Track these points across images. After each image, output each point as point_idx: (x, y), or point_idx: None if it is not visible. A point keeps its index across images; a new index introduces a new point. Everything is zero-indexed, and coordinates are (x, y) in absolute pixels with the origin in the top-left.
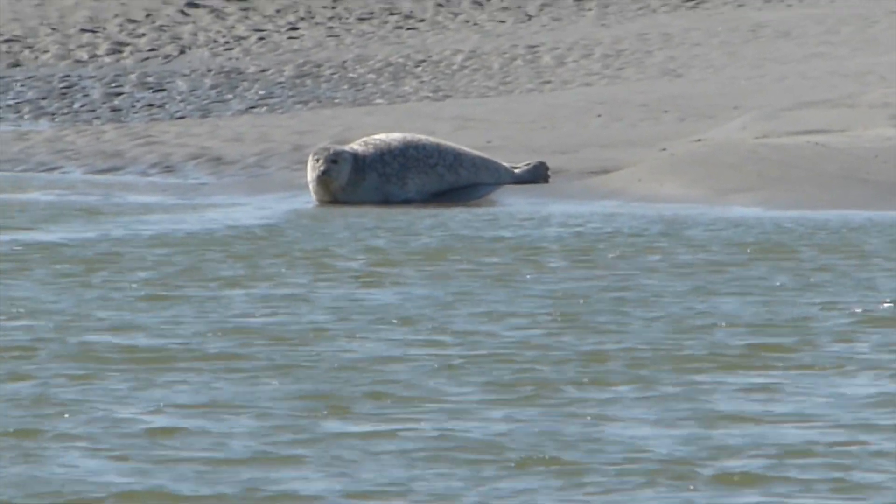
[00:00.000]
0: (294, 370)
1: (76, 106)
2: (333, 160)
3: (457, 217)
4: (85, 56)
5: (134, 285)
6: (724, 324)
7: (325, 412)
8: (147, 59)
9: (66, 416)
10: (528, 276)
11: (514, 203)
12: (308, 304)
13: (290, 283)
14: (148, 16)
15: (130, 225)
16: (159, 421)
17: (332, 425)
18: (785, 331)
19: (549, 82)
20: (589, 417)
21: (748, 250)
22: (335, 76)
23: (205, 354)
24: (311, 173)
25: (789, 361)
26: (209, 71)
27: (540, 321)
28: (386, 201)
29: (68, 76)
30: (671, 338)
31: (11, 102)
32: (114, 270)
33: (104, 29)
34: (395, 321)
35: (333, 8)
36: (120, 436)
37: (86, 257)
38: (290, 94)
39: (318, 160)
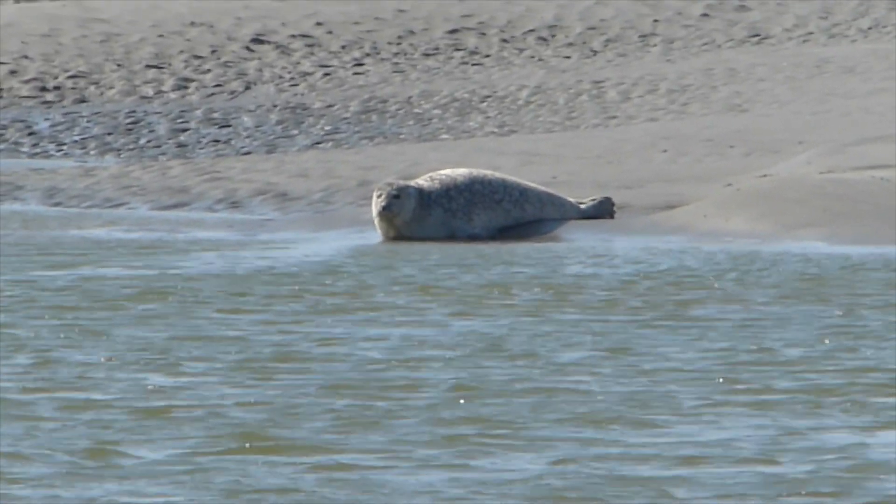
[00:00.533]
0: (341, 407)
1: (142, 142)
2: (395, 195)
3: (522, 252)
4: (151, 92)
5: (199, 321)
6: (782, 360)
7: (371, 448)
8: (213, 94)
9: (115, 449)
10: (594, 312)
11: (579, 238)
12: (366, 341)
13: (349, 319)
14: (213, 52)
15: (195, 261)
16: (207, 458)
17: (379, 462)
18: (842, 367)
19: (614, 117)
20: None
21: (812, 285)
22: (401, 112)
23: (256, 394)
24: (374, 209)
25: (842, 397)
26: (275, 107)
27: (594, 355)
28: (452, 237)
29: (134, 112)
30: (731, 375)
31: (77, 138)
32: (178, 306)
33: (170, 65)
34: (449, 356)
35: (399, 44)
36: (167, 468)
37: (149, 292)
38: (356, 129)
39: (380, 196)
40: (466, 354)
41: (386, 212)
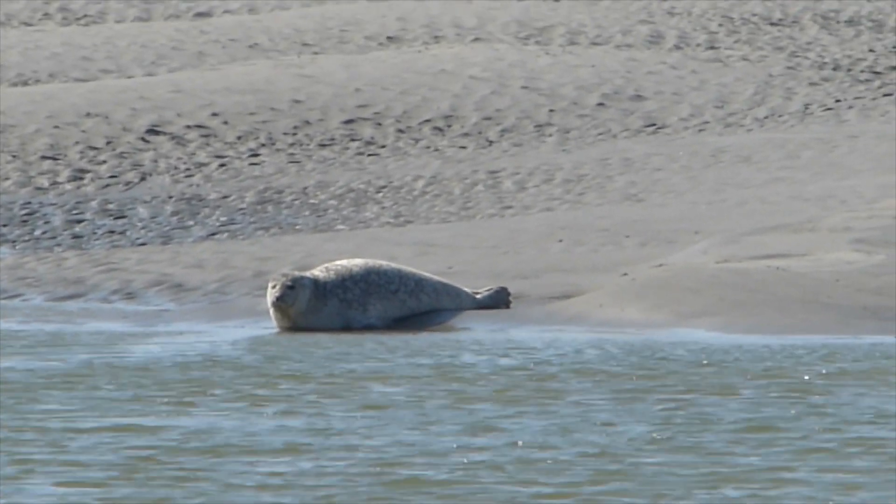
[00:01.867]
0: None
1: (37, 233)
2: (290, 286)
3: (417, 343)
4: (46, 183)
5: (85, 414)
6: (673, 451)
7: None
8: (108, 185)
9: None
10: (473, 403)
11: (474, 328)
12: (254, 437)
13: (240, 410)
14: (109, 143)
15: (89, 352)
16: None
17: None
18: (728, 459)
19: (510, 207)
20: None
21: (706, 376)
22: (296, 202)
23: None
24: (269, 299)
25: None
26: (170, 198)
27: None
28: (347, 327)
29: (29, 203)
30: (603, 474)
31: None
32: (66, 400)
33: (65, 156)
34: (340, 448)
35: (294, 134)
36: None
37: (38, 386)
38: (252, 220)
39: (274, 286)
40: (350, 444)
41: (280, 302)
